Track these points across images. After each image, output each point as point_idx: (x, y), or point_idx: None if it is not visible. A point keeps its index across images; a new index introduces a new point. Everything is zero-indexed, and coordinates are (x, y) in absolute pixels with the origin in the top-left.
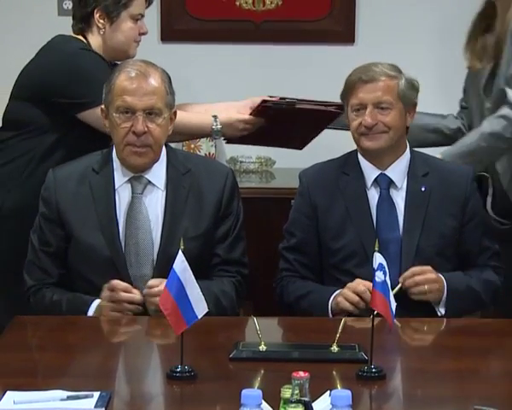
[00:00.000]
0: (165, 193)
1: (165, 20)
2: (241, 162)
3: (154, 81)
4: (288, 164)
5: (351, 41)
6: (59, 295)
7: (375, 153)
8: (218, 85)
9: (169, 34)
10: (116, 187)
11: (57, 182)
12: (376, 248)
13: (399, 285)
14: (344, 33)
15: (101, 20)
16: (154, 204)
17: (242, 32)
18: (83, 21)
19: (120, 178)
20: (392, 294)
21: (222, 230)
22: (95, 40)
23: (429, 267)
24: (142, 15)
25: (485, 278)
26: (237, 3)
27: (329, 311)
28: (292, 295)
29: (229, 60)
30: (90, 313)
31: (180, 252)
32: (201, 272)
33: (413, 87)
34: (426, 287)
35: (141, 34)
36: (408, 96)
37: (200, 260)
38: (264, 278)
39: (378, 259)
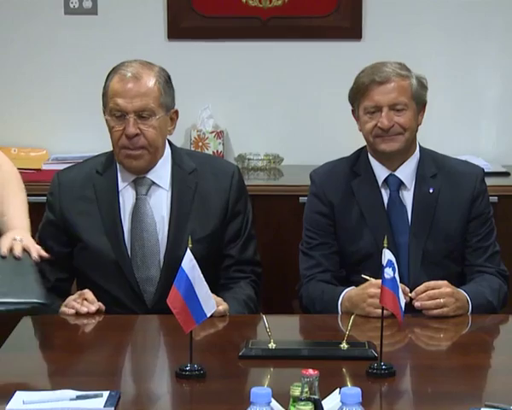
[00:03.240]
0: (170, 193)
1: (171, 18)
2: (249, 160)
3: (147, 82)
4: (296, 161)
5: (358, 37)
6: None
7: (391, 155)
8: (225, 83)
9: (176, 32)
10: (120, 189)
11: (61, 186)
12: (385, 245)
13: (408, 298)
14: (351, 29)
15: None
16: (160, 205)
17: (249, 28)
18: None
19: (124, 179)
20: (401, 290)
21: (232, 230)
22: None
23: (445, 282)
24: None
25: (497, 288)
26: (244, 0)
27: (339, 310)
28: (309, 298)
29: (236, 57)
30: None
31: (188, 250)
32: (208, 273)
33: (423, 86)
34: (442, 300)
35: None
36: (420, 96)
37: (207, 261)
38: (274, 275)
39: (387, 255)
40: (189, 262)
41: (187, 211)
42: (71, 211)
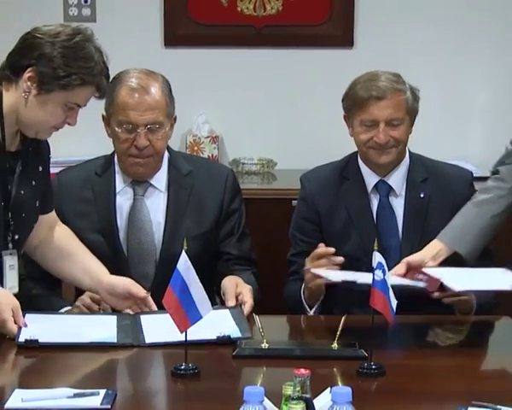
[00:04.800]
0: (166, 195)
1: (168, 26)
2: (243, 164)
3: (155, 94)
4: (289, 165)
5: (350, 45)
6: (39, 291)
7: (384, 167)
8: (221, 89)
9: (172, 39)
10: (117, 190)
11: (61, 187)
12: (376, 248)
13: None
14: (343, 38)
15: (29, 82)
16: (156, 206)
17: (244, 36)
18: (12, 70)
19: (122, 181)
20: (391, 292)
21: (226, 229)
22: (11, 96)
23: None
24: (80, 106)
25: None
26: (239, 9)
27: (305, 304)
28: (285, 297)
29: (231, 64)
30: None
31: (183, 252)
32: (202, 271)
33: (416, 97)
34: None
35: (65, 123)
36: (413, 109)
37: (201, 260)
38: (266, 277)
39: (377, 258)
40: (184, 264)
41: (182, 211)
42: (69, 211)
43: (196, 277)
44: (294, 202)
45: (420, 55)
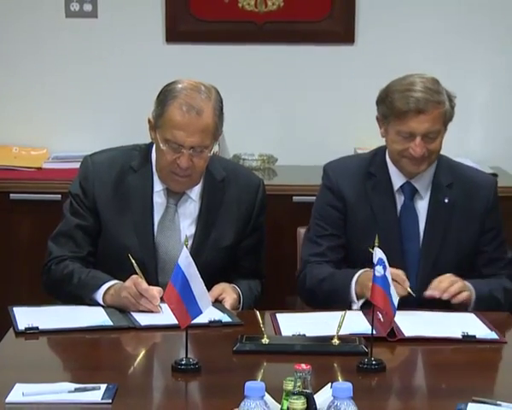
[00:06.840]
0: (199, 204)
1: (169, 22)
2: (243, 160)
3: (206, 118)
4: (289, 161)
5: (351, 41)
6: (77, 270)
7: (416, 175)
8: (221, 85)
9: (173, 35)
10: (154, 190)
11: (95, 167)
12: (376, 244)
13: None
14: (344, 34)
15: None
16: (188, 215)
17: (245, 32)
18: None
19: (158, 183)
20: (392, 289)
21: (250, 242)
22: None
23: (448, 274)
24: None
25: (504, 286)
26: (240, 5)
27: (353, 294)
28: (315, 278)
29: (232, 60)
30: (99, 298)
31: (185, 248)
32: (219, 279)
33: (452, 104)
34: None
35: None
36: (450, 118)
37: (223, 269)
38: (267, 273)
39: (378, 254)
40: (185, 259)
41: (212, 221)
42: (103, 202)
43: (197, 272)
44: (295, 198)
45: (420, 52)
